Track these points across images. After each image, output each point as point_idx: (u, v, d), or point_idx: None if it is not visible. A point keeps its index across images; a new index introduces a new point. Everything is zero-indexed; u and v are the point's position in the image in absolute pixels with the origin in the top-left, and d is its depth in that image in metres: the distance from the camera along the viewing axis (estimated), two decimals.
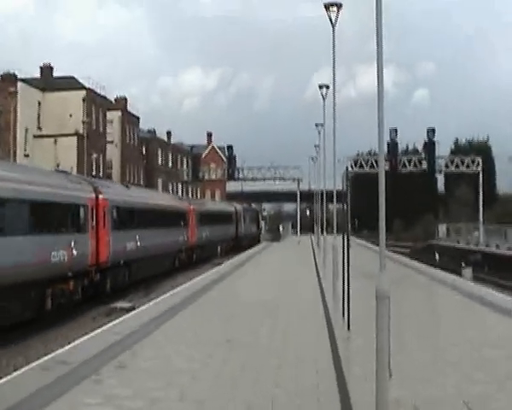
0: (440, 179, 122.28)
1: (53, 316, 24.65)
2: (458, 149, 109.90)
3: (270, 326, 17.29)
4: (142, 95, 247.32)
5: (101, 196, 32.15)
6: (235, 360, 13.06)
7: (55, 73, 78.51)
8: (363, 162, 71.65)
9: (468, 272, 43.41)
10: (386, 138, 66.18)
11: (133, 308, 25.24)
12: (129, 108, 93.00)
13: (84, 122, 68.93)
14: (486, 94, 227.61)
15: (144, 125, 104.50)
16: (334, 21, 23.74)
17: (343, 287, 16.94)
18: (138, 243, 37.49)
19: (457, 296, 24.78)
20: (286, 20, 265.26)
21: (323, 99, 35.74)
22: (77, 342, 15.24)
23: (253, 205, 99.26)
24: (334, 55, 25.37)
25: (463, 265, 48.61)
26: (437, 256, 65.58)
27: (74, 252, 27.44)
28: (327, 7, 23.33)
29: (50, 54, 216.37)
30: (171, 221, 47.77)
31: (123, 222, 35.56)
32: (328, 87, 34.59)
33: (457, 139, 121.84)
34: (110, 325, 17.59)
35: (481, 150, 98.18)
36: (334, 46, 25.16)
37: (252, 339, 15.48)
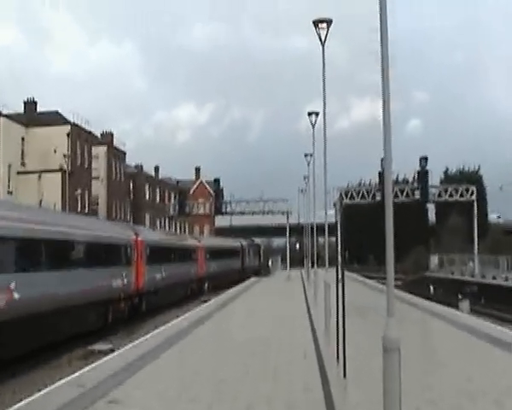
0: (431, 210, 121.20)
1: (111, 328, 33.50)
2: (449, 179, 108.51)
3: (257, 371, 15.72)
4: (134, 130, 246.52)
5: (139, 238, 41.71)
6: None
7: (45, 108, 77.16)
8: (353, 193, 70.05)
9: (465, 304, 42.02)
10: (378, 169, 65.22)
11: (112, 350, 23.62)
12: (115, 143, 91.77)
13: (65, 156, 67.36)
14: (478, 121, 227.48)
15: (136, 161, 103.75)
16: (323, 39, 22.43)
17: (337, 328, 15.42)
18: (163, 274, 46.68)
19: (462, 334, 22.79)
20: (278, 51, 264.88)
21: (312, 126, 34.54)
22: (35, 396, 13.42)
23: (255, 240, 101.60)
24: (324, 76, 24.07)
25: (460, 297, 47.21)
26: (431, 289, 64.16)
27: (125, 280, 37.69)
28: (316, 24, 21.99)
29: (40, 89, 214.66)
30: (185, 257, 57.87)
31: (153, 258, 43.76)
32: (317, 114, 33.46)
33: (447, 169, 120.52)
34: (75, 375, 15.67)
35: (472, 180, 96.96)
36: (324, 66, 23.93)
37: (238, 384, 14.06)
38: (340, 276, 15.03)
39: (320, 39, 22.42)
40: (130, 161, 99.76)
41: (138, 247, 41.06)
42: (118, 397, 13.11)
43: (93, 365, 17.19)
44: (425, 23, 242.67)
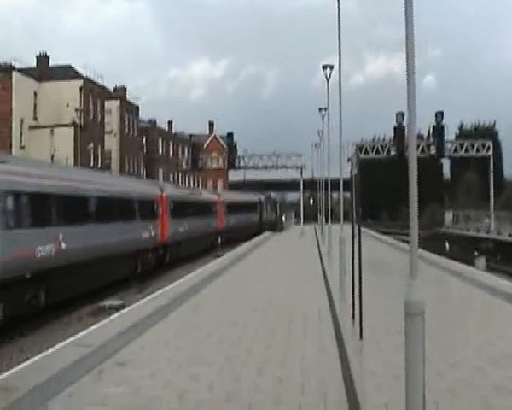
0: (446, 166, 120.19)
1: (141, 276, 37.11)
2: (464, 134, 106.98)
3: (270, 332, 15.30)
4: (149, 85, 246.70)
5: (164, 194, 45.03)
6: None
7: (57, 63, 76.31)
8: (368, 148, 68.91)
9: (481, 262, 41.43)
10: (393, 123, 64.08)
11: (123, 306, 23.27)
12: (128, 98, 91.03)
13: (77, 110, 66.43)
14: (493, 75, 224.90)
15: (150, 116, 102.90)
16: None
17: (353, 287, 14.92)
18: (186, 228, 49.85)
19: (481, 293, 21.88)
20: (292, 5, 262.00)
21: (327, 80, 33.77)
22: (40, 355, 12.98)
23: (273, 195, 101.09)
24: (339, 28, 23.33)
25: (476, 254, 46.58)
26: (447, 245, 63.50)
27: (152, 233, 40.98)
28: None
29: (54, 45, 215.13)
30: (205, 211, 61.04)
31: (176, 212, 47.07)
32: (332, 67, 32.78)
33: (462, 124, 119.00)
34: (82, 333, 15.16)
35: (487, 135, 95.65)
36: (339, 18, 23.16)
37: (249, 344, 13.73)
38: (356, 232, 14.40)
39: None
40: (145, 116, 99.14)
41: (163, 202, 44.37)
42: (126, 358, 12.73)
43: (102, 322, 16.73)
44: None
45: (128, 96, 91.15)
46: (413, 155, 7.03)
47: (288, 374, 11.33)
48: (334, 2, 24.25)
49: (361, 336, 13.49)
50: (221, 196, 71.68)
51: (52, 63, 76.29)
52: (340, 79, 24.79)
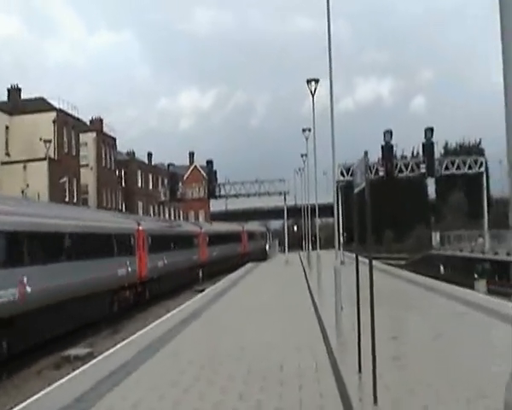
0: (430, 186, 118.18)
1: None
2: (449, 153, 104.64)
3: (258, 389, 12.72)
4: (140, 116, 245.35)
5: (140, 227, 43.03)
6: None
7: (30, 96, 73.96)
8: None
9: (481, 284, 39.06)
10: (380, 141, 61.66)
11: (91, 355, 20.62)
12: (105, 129, 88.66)
13: (45, 142, 63.14)
14: (480, 98, 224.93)
15: (140, 148, 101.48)
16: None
17: (358, 332, 12.37)
18: (166, 262, 48.00)
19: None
20: (280, 34, 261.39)
21: (312, 95, 31.40)
22: None
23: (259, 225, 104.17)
24: (329, 47, 21.06)
25: (476, 277, 44.16)
26: (441, 268, 61.17)
27: (129, 269, 39.45)
28: None
29: (42, 78, 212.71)
30: (186, 243, 59.37)
31: (155, 246, 45.47)
32: (317, 81, 30.37)
33: (447, 143, 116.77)
34: (39, 395, 12.60)
35: (473, 153, 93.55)
36: (329, 38, 20.93)
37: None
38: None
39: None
40: (136, 148, 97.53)
41: (140, 236, 42.63)
42: None
43: (60, 381, 14.11)
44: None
45: (105, 128, 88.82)
46: None
47: None
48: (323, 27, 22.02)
49: (375, 401, 10.38)
50: (202, 228, 70.07)
51: (32, 95, 74.05)
52: (331, 102, 22.29)
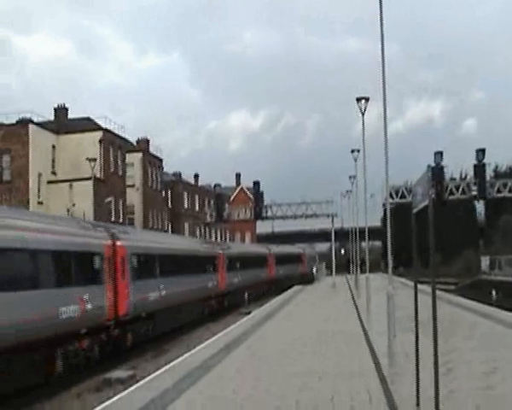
0: (479, 209, 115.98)
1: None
2: (499, 176, 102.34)
3: None
4: (188, 138, 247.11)
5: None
6: None
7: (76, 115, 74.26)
8: (405, 192, 65.20)
9: None
10: (430, 163, 60.29)
11: (133, 378, 19.84)
12: (151, 149, 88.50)
13: (90, 160, 62.31)
14: None
15: (188, 169, 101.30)
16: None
17: (417, 365, 11.32)
18: (239, 279, 55.80)
19: None
20: (331, 55, 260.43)
21: (362, 114, 30.38)
22: None
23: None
24: (383, 67, 20.22)
25: None
26: (493, 294, 59.37)
27: (214, 283, 47.89)
28: None
29: (90, 100, 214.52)
30: (257, 263, 65.81)
31: (231, 266, 53.78)
32: (367, 100, 29.42)
33: (497, 166, 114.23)
34: None
35: None
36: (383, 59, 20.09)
37: None
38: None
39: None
40: (183, 169, 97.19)
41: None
42: None
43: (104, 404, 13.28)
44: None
45: (152, 149, 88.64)
46: None
47: None
48: (374, 48, 21.26)
49: None
50: (271, 249, 77.02)
51: (78, 115, 74.28)
52: (385, 121, 21.40)
